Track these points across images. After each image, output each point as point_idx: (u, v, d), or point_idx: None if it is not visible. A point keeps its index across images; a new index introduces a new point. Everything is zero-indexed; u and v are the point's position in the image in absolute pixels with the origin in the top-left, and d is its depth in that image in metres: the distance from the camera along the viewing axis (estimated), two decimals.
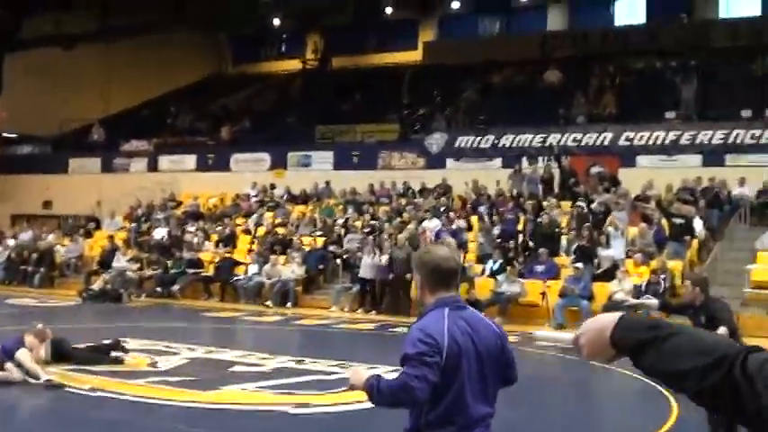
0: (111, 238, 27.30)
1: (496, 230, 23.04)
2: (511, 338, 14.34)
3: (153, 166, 34.86)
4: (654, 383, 9.85)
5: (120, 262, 25.01)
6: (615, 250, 20.59)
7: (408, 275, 20.75)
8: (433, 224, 23.41)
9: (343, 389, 11.40)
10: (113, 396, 10.85)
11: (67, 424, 9.85)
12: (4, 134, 40.34)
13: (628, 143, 27.15)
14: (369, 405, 10.25)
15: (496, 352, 4.21)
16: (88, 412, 10.22)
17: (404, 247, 21.19)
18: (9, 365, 11.35)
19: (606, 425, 11.29)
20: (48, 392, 11.08)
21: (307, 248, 24.19)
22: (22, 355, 11.56)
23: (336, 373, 12.57)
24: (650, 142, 26.82)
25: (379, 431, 9.66)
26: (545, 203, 24.01)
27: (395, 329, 18.29)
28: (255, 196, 30.43)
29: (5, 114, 38.09)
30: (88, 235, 30.13)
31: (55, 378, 11.39)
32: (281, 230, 26.37)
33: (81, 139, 38.44)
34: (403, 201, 27.07)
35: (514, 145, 28.47)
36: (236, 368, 13.00)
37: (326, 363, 13.44)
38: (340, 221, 26.06)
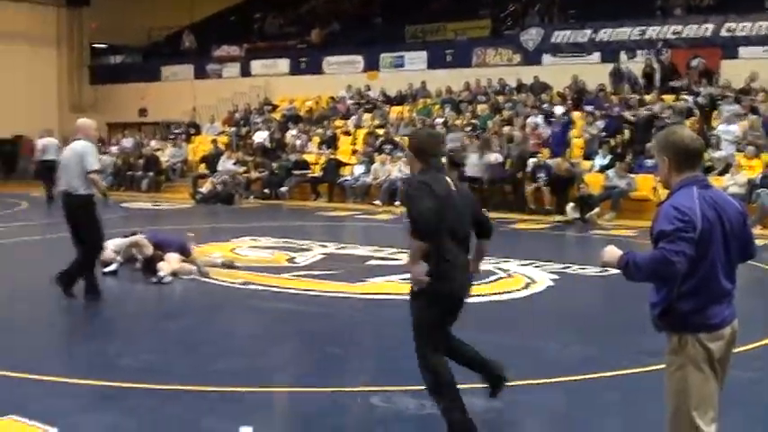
0: (214, 142, 27.85)
1: (600, 125, 23.00)
2: (625, 233, 14.55)
3: (246, 71, 35.11)
4: None
5: (226, 165, 25.54)
6: (726, 150, 20.35)
7: (519, 174, 20.97)
8: (538, 120, 23.42)
9: (490, 279, 11.84)
10: (266, 289, 11.30)
11: (239, 312, 10.24)
12: (95, 45, 40.92)
13: (729, 34, 26.58)
14: (511, 295, 10.69)
15: (739, 228, 4.38)
16: (253, 303, 10.63)
17: (520, 144, 21.28)
18: (169, 256, 11.96)
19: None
20: (198, 285, 11.64)
21: None
22: (171, 257, 12.10)
23: None
24: (753, 33, 26.25)
25: (526, 317, 10.01)
26: (647, 98, 23.83)
27: (509, 226, 18.55)
28: (351, 98, 30.66)
29: (95, 25, 38.64)
30: (188, 140, 30.75)
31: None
32: (380, 131, 26.63)
33: (171, 47, 38.85)
34: (501, 98, 27.06)
35: (612, 39, 28.11)
36: (373, 262, 13.36)
37: None
38: (439, 120, 26.16)
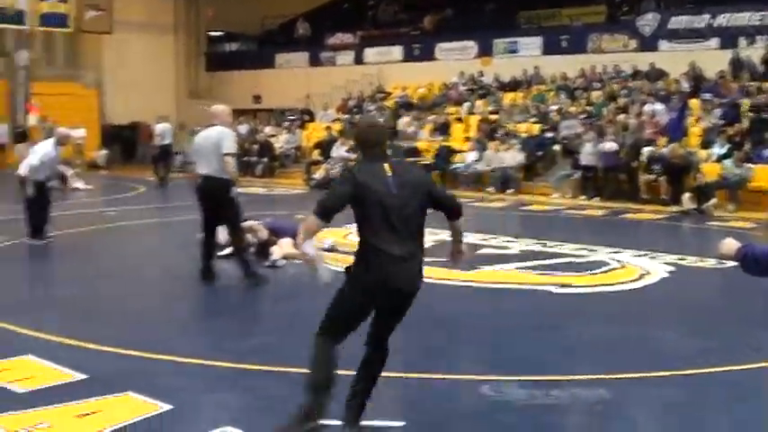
0: (328, 128, 28.12)
1: (718, 113, 22.48)
2: (743, 224, 14.16)
3: (359, 59, 35.33)
4: None
5: (339, 151, 25.76)
6: None
7: (634, 162, 20.62)
8: (655, 108, 23.00)
9: (603, 269, 11.71)
10: None
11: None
12: (211, 33, 41.69)
13: None
14: (624, 286, 10.53)
15: None
16: None
17: (635, 132, 20.95)
18: (283, 241, 12.19)
19: None
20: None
21: (523, 135, 24.30)
22: (286, 243, 12.32)
23: (584, 256, 12.78)
24: None
25: (640, 309, 9.85)
26: (766, 85, 23.19)
27: (625, 215, 18.31)
28: (463, 85, 30.59)
29: (212, 14, 39.33)
30: (302, 127, 31.13)
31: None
32: (493, 118, 26.50)
33: (286, 35, 39.32)
34: (616, 85, 26.66)
35: (731, 24, 27.39)
36: (485, 250, 13.32)
37: (570, 246, 13.62)
38: (553, 107, 25.91)
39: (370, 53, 35.16)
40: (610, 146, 21.05)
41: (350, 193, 5.13)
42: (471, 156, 24.00)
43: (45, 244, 13.71)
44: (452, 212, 5.55)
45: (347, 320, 5.41)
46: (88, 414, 5.80)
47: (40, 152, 13.63)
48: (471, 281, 10.87)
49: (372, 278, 5.20)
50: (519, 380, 6.59)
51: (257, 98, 38.06)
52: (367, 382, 5.47)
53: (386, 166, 5.21)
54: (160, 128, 25.85)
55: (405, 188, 5.19)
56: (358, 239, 5.23)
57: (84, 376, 6.64)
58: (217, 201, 10.43)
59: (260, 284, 10.56)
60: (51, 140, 13.95)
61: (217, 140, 10.29)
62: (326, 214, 5.13)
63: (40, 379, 6.59)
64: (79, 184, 24.32)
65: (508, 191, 22.38)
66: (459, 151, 24.81)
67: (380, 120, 5.14)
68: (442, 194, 5.54)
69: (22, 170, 13.60)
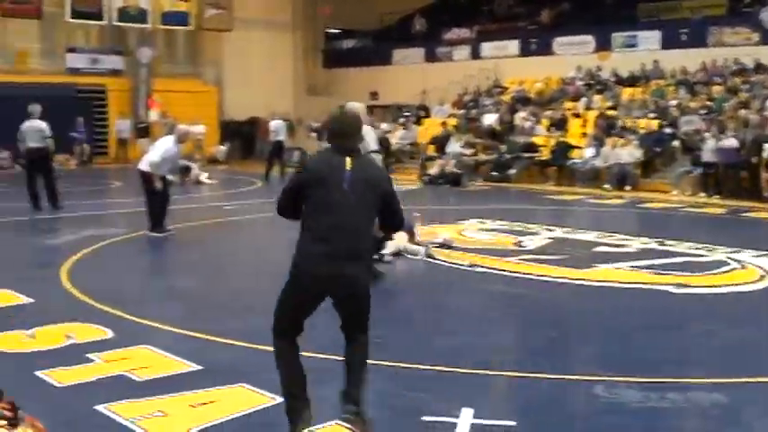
0: (444, 124, 28.15)
1: None
2: None
3: (476, 54, 35.20)
4: None
5: (454, 147, 25.77)
6: None
7: (755, 159, 20.08)
8: None
9: (722, 270, 11.47)
10: (491, 271, 11.36)
11: (463, 294, 10.33)
12: (329, 30, 42.08)
13: None
14: (743, 287, 10.28)
15: None
16: (479, 285, 10.70)
17: (756, 128, 20.41)
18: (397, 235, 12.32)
19: None
20: (423, 265, 11.89)
21: (642, 131, 23.91)
22: (399, 237, 12.42)
23: (704, 255, 12.52)
24: None
25: (760, 311, 9.61)
26: None
27: (745, 214, 17.86)
28: (581, 79, 30.23)
29: (329, 11, 39.70)
30: (418, 122, 31.21)
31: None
32: (611, 113, 26.14)
33: (403, 31, 39.45)
34: (737, 79, 25.99)
35: None
36: (601, 248, 13.16)
37: (689, 245, 13.35)
38: (673, 103, 25.40)
39: (487, 48, 34.97)
40: (730, 142, 20.53)
41: (301, 180, 5.16)
42: (588, 152, 23.72)
43: (165, 237, 14.10)
44: (392, 224, 5.54)
45: (290, 316, 5.35)
46: (202, 404, 5.96)
47: (160, 149, 13.98)
48: (587, 279, 10.78)
49: (303, 271, 5.19)
50: (633, 381, 6.50)
51: (374, 94, 38.24)
52: (351, 374, 5.38)
53: (347, 159, 5.13)
54: (274, 124, 26.43)
55: (358, 185, 5.10)
56: (300, 229, 5.20)
57: (199, 367, 6.83)
58: None
59: (378, 280, 10.65)
60: (172, 137, 14.29)
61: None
62: (287, 213, 5.29)
63: (157, 368, 6.79)
64: (204, 179, 25.01)
65: (625, 188, 22.05)
66: (576, 147, 24.55)
67: (355, 113, 5.05)
68: (393, 203, 5.37)
69: (144, 165, 13.99)
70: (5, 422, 3.14)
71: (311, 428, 5.35)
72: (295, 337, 5.37)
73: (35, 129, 17.40)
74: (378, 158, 10.58)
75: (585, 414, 6.04)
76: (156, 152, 13.93)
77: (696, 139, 21.88)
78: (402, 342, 7.84)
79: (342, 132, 5.23)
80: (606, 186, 22.28)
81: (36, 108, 17.61)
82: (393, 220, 5.49)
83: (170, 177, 14.53)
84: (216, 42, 36.90)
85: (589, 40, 32.07)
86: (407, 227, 12.64)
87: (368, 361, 5.45)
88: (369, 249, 5.29)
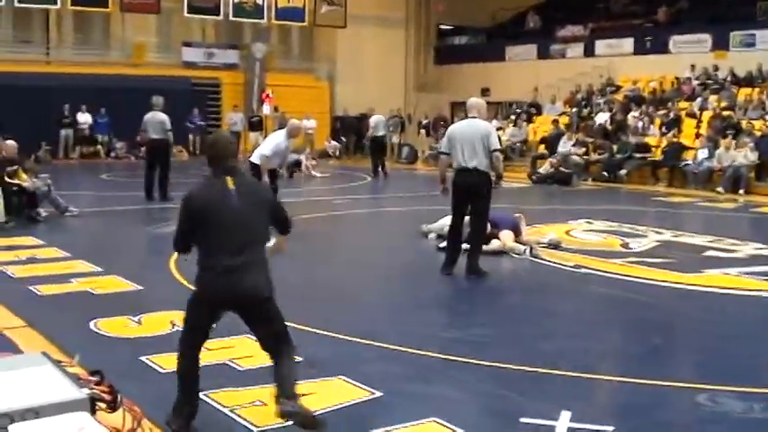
0: (555, 122, 27.89)
1: None
2: None
3: (589, 51, 34.78)
4: None
5: (565, 146, 25.50)
6: None
7: None
8: None
9: None
10: (597, 273, 11.22)
11: (567, 295, 10.22)
12: (442, 26, 42.07)
13: None
14: None
15: None
16: (583, 287, 10.59)
17: None
18: (504, 234, 12.35)
19: None
20: (529, 265, 11.82)
21: (758, 133, 23.28)
22: (506, 235, 12.42)
23: None
24: None
25: None
26: None
27: None
28: (696, 79, 29.60)
29: (442, 8, 39.71)
30: (529, 120, 30.99)
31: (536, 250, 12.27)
32: (726, 114, 25.54)
33: (516, 28, 39.22)
34: None
35: None
36: (710, 253, 12.87)
37: None
38: None
39: (601, 45, 34.54)
40: None
41: (190, 210, 5.33)
42: (701, 153, 23.19)
43: None
44: (285, 230, 5.86)
45: (192, 333, 5.49)
46: (301, 396, 6.02)
47: (271, 143, 14.14)
48: (694, 284, 10.55)
49: (202, 290, 5.37)
50: (737, 391, 6.34)
51: (486, 91, 38.09)
52: (285, 383, 5.42)
53: (228, 179, 5.32)
54: (373, 120, 26.85)
55: (247, 199, 5.31)
56: (199, 257, 5.37)
57: (299, 359, 6.90)
58: (476, 193, 10.58)
59: (483, 277, 10.64)
60: (283, 132, 14.45)
61: (485, 135, 10.40)
62: (180, 247, 5.51)
63: (259, 358, 6.87)
64: (315, 172, 25.35)
65: (739, 191, 21.52)
66: (690, 148, 24.04)
67: (228, 136, 5.20)
68: (280, 210, 5.68)
69: (255, 158, 14.18)
70: (105, 404, 3.26)
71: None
72: (201, 345, 5.54)
73: (157, 120, 17.93)
74: (501, 157, 10.67)
75: (685, 423, 5.92)
76: (267, 146, 14.10)
77: None
78: (503, 342, 7.81)
79: (219, 155, 5.42)
80: (719, 189, 21.74)
81: (159, 100, 18.14)
82: (285, 226, 5.83)
83: (281, 172, 14.72)
84: (329, 38, 37.27)
85: (706, 38, 31.38)
86: (512, 225, 12.62)
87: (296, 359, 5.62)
88: (266, 260, 5.49)
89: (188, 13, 33.09)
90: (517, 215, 13.17)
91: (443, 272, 10.76)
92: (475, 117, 10.61)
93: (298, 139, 17.03)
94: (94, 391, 3.15)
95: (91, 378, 3.35)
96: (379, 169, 25.63)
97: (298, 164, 25.03)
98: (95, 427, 2.77)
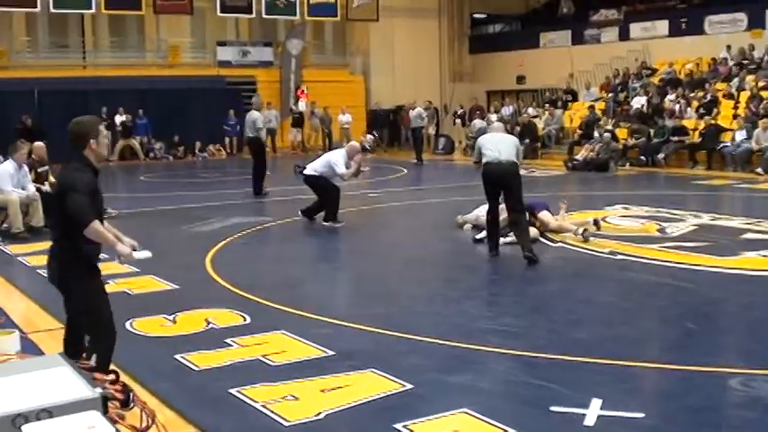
0: (591, 108, 27.74)
1: None
2: None
3: (624, 35, 34.51)
4: None
5: (602, 132, 25.32)
6: None
7: None
8: None
9: None
10: (633, 259, 11.16)
11: (602, 281, 10.20)
12: (475, 15, 41.97)
13: None
14: None
15: None
16: (617, 273, 10.54)
17: None
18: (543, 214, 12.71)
19: None
20: (564, 252, 11.82)
21: None
22: (545, 215, 12.61)
23: None
24: None
25: None
26: None
27: None
28: (732, 59, 29.27)
29: None
30: (565, 107, 30.85)
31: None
32: (765, 94, 25.24)
33: (549, 14, 39.00)
34: None
35: None
36: (748, 236, 12.74)
37: None
38: None
39: (635, 29, 34.21)
40: None
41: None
42: (739, 135, 22.95)
43: (340, 226, 14.45)
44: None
45: None
46: (332, 389, 6.08)
47: (332, 160, 14.74)
48: (731, 267, 10.48)
49: None
50: None
51: (521, 79, 38.00)
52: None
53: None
54: (413, 113, 27.94)
55: (57, 189, 5.65)
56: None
57: (331, 352, 6.97)
58: (509, 182, 10.97)
59: (533, 263, 10.81)
60: (343, 151, 15.12)
61: (515, 141, 11.34)
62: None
63: (291, 353, 6.97)
64: (365, 168, 25.58)
65: None
66: (728, 130, 23.80)
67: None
68: (68, 204, 5.40)
69: (310, 171, 14.68)
70: (117, 403, 3.35)
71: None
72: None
73: (251, 120, 18.70)
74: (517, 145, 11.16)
75: (717, 407, 5.88)
76: (323, 162, 14.73)
77: None
78: (534, 331, 7.81)
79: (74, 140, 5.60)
80: (758, 170, 21.48)
81: (255, 100, 18.77)
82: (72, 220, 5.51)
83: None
84: (362, 32, 37.29)
85: (741, 17, 30.96)
86: (545, 206, 12.83)
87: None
88: (64, 249, 5.60)
89: (221, 12, 33.22)
90: (564, 203, 13.41)
91: (491, 254, 11.29)
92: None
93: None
94: (108, 390, 3.23)
95: (105, 378, 3.44)
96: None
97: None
98: (105, 426, 2.85)
